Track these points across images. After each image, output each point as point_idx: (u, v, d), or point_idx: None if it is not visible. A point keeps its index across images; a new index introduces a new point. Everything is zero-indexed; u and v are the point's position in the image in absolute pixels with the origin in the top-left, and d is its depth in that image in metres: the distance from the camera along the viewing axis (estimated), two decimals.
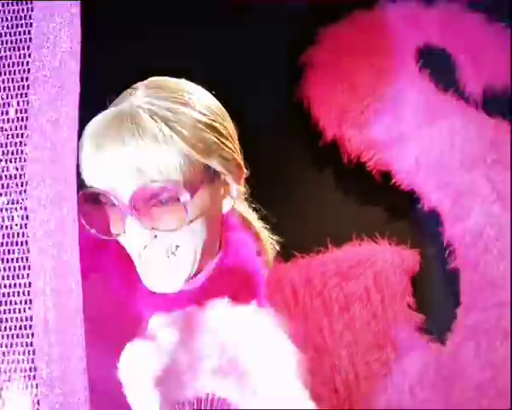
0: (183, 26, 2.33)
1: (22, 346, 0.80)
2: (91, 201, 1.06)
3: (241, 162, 1.22)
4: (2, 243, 0.83)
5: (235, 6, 2.26)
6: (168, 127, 1.04)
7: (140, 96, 1.09)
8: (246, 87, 2.36)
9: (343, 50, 2.36)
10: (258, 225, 1.35)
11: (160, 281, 1.10)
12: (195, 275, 1.15)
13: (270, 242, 1.37)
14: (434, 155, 2.27)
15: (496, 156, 2.27)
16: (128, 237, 1.07)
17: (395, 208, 2.31)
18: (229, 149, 1.18)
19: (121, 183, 1.04)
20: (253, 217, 1.36)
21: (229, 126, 1.21)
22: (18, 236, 0.82)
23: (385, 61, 2.34)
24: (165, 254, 1.09)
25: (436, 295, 2.27)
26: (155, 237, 1.07)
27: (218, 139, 1.14)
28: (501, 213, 2.22)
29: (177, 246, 1.09)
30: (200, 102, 1.15)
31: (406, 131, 2.29)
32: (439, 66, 2.36)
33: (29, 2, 0.90)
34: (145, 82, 1.15)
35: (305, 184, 2.36)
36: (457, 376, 2.16)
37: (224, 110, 1.20)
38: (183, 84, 1.18)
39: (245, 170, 1.22)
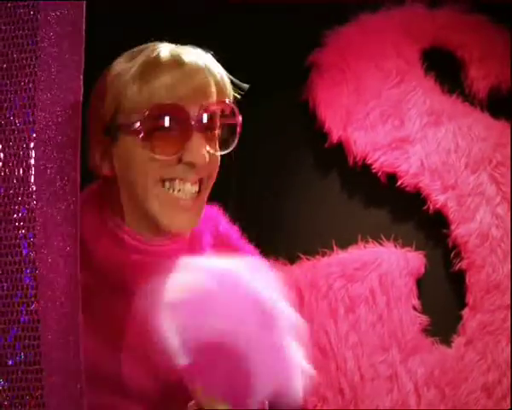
0: (185, 26, 2.33)
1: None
2: (155, 123, 1.10)
3: None
4: None
5: (240, 6, 2.26)
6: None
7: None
8: (252, 89, 2.36)
9: (349, 53, 2.36)
10: None
11: (186, 220, 1.15)
12: None
13: None
14: (440, 156, 2.27)
15: (501, 158, 2.26)
16: (192, 152, 1.11)
17: (400, 210, 2.31)
18: None
19: (191, 98, 1.11)
20: None
21: None
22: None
23: (390, 64, 2.34)
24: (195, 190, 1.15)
25: (441, 297, 2.26)
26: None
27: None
28: (506, 215, 2.22)
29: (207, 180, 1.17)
30: None
31: (412, 133, 2.29)
32: (444, 68, 2.36)
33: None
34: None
35: (311, 186, 2.37)
36: (463, 377, 2.16)
37: None
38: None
39: None
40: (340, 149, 2.33)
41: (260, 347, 1.04)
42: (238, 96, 1.25)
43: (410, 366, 2.18)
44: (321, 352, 2.20)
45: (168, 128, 1.10)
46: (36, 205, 0.84)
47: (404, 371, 2.18)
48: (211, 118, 1.13)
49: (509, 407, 2.10)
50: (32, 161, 0.86)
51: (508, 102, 2.32)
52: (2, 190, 0.85)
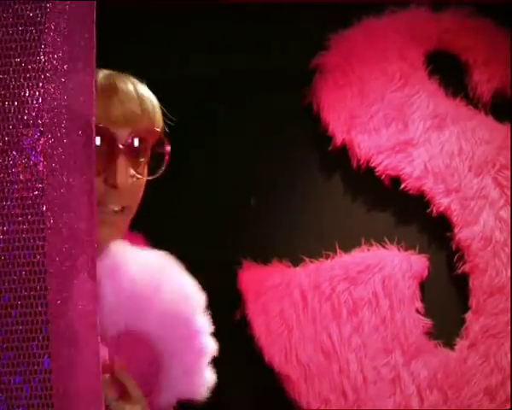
0: (189, 27, 2.34)
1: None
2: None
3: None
4: None
5: (244, 8, 2.27)
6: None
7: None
8: (256, 92, 2.37)
9: (353, 56, 2.36)
10: None
11: (108, 234, 1.19)
12: None
13: None
14: (443, 160, 2.27)
15: (504, 161, 2.26)
16: (115, 175, 1.15)
17: (404, 213, 2.32)
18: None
19: (121, 123, 1.16)
20: None
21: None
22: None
23: (394, 67, 2.34)
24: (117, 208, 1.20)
25: (444, 300, 2.27)
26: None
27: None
28: (510, 218, 2.22)
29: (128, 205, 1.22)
30: None
31: (415, 136, 2.29)
32: (448, 71, 2.36)
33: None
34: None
35: (315, 189, 2.37)
36: (466, 380, 2.16)
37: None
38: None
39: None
40: (344, 152, 2.34)
41: (176, 352, 1.14)
42: (167, 128, 1.29)
43: (413, 368, 2.18)
44: (324, 354, 2.21)
45: (97, 149, 1.14)
46: (47, 207, 0.84)
47: (406, 374, 2.18)
48: (139, 144, 1.19)
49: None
50: (43, 163, 0.86)
51: (511, 106, 2.33)
52: (8, 192, 0.85)
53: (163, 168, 1.23)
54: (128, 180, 1.16)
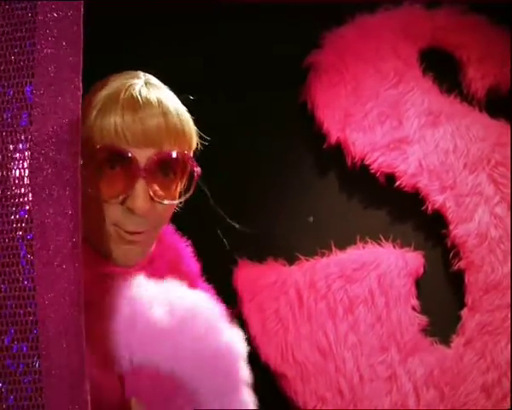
0: (183, 26, 2.34)
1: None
2: (104, 161, 1.08)
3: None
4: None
5: (238, 6, 2.27)
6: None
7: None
8: (250, 90, 2.37)
9: (347, 54, 2.36)
10: None
11: (130, 255, 1.13)
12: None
13: None
14: (438, 157, 2.28)
15: (499, 158, 2.27)
16: (133, 199, 1.07)
17: (399, 211, 2.32)
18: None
19: (142, 143, 1.07)
20: None
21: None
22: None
23: (388, 65, 2.34)
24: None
25: (440, 298, 2.27)
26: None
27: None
28: (505, 215, 2.23)
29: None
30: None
31: (410, 133, 2.29)
32: (442, 68, 2.36)
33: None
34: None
35: (309, 187, 2.37)
36: (462, 378, 2.16)
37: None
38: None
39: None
40: (339, 150, 2.34)
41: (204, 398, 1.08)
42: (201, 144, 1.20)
43: (409, 366, 2.18)
44: (320, 353, 2.20)
45: (113, 171, 1.08)
46: (33, 206, 0.84)
47: (403, 372, 2.18)
48: (164, 164, 1.09)
49: (510, 408, 2.10)
50: (29, 163, 0.86)
51: (506, 102, 2.33)
52: None
53: (191, 191, 1.14)
54: (147, 206, 1.07)
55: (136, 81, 1.11)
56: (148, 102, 1.08)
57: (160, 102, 1.09)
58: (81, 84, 0.92)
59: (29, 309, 0.82)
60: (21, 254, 0.82)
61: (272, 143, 2.38)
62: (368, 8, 2.37)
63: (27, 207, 0.84)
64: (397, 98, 2.32)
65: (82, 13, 0.93)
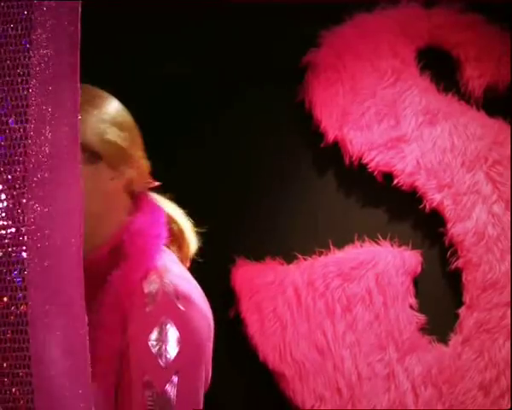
0: (183, 26, 2.34)
1: None
2: None
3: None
4: None
5: (236, 6, 2.26)
6: None
7: None
8: (248, 88, 2.36)
9: (345, 53, 2.36)
10: (183, 221, 1.41)
11: None
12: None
13: (192, 238, 1.41)
14: (436, 155, 2.28)
15: (497, 156, 2.27)
16: None
17: (397, 209, 2.32)
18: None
19: None
20: (177, 214, 1.42)
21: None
22: None
23: (386, 63, 2.34)
24: None
25: (438, 296, 2.27)
26: None
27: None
28: (502, 213, 2.23)
29: None
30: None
31: (407, 132, 2.29)
32: (440, 67, 2.36)
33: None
34: None
35: (307, 186, 2.37)
36: (460, 376, 2.16)
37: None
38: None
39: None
40: (336, 148, 2.33)
41: None
42: None
43: (407, 364, 2.18)
44: (318, 351, 2.20)
45: None
46: (27, 202, 0.84)
47: (401, 370, 2.18)
48: None
49: (510, 408, 2.10)
50: (25, 160, 0.86)
51: (503, 101, 2.33)
52: None
53: None
54: None
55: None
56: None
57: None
58: (79, 84, 0.92)
59: (20, 310, 0.81)
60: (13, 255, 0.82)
61: (270, 141, 2.38)
62: (365, 7, 2.37)
63: (20, 203, 0.84)
64: (394, 97, 2.32)
65: (79, 11, 0.92)
